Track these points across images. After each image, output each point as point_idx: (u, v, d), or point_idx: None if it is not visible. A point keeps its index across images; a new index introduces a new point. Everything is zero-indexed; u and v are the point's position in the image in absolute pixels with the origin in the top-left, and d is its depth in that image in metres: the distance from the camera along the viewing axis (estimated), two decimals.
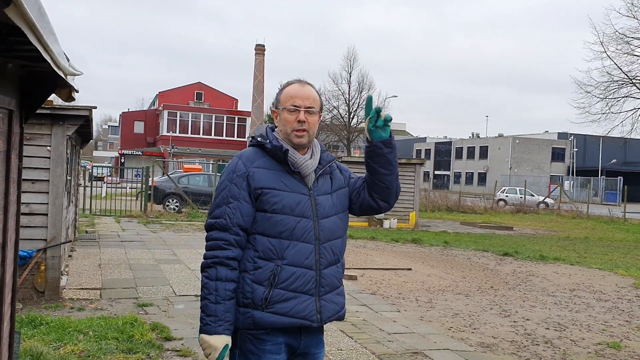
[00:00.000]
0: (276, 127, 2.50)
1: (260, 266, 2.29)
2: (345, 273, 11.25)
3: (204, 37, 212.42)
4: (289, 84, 2.47)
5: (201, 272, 2.33)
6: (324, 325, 2.44)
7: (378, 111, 2.33)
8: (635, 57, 28.52)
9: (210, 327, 2.23)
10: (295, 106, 2.38)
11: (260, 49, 58.51)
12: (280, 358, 2.33)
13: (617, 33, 28.46)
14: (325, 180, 2.47)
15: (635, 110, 29.28)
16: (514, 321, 7.12)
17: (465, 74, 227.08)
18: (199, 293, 2.36)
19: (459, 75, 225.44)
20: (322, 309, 2.35)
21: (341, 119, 48.58)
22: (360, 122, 48.92)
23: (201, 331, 2.26)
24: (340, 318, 2.48)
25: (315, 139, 2.47)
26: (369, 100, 2.37)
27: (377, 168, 2.41)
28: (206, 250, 2.33)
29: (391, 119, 2.35)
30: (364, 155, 2.50)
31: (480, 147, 70.11)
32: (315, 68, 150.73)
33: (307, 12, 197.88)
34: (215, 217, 2.33)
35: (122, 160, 56.19)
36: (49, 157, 7.12)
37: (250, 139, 2.51)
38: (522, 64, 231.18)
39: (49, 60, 2.21)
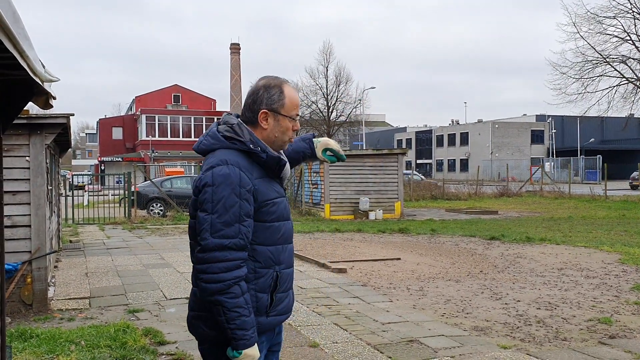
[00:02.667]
0: (241, 118, 2.34)
1: (262, 275, 2.27)
2: (334, 266, 11.07)
3: (163, 38, 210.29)
4: (283, 84, 2.33)
5: (220, 296, 2.12)
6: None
7: (327, 159, 2.68)
8: (608, 35, 28.91)
9: (253, 339, 2.17)
10: (297, 115, 2.39)
11: (235, 48, 58.27)
12: (262, 357, 2.35)
13: (589, 13, 28.85)
14: None
15: (610, 89, 29.70)
16: (506, 303, 7.18)
17: (428, 62, 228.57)
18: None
19: (422, 62, 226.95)
20: (293, 299, 2.50)
21: (320, 114, 48.56)
22: (340, 115, 48.96)
23: (242, 347, 2.14)
24: None
25: None
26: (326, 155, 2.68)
27: (301, 162, 2.76)
28: (221, 272, 2.11)
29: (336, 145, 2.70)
30: (303, 152, 2.70)
31: (461, 133, 70.58)
32: (276, 65, 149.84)
33: (258, 8, 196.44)
34: (227, 236, 2.13)
35: (102, 168, 55.68)
36: (29, 168, 7.01)
37: (229, 129, 2.28)
38: (485, 48, 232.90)
39: (26, 67, 2.16)
